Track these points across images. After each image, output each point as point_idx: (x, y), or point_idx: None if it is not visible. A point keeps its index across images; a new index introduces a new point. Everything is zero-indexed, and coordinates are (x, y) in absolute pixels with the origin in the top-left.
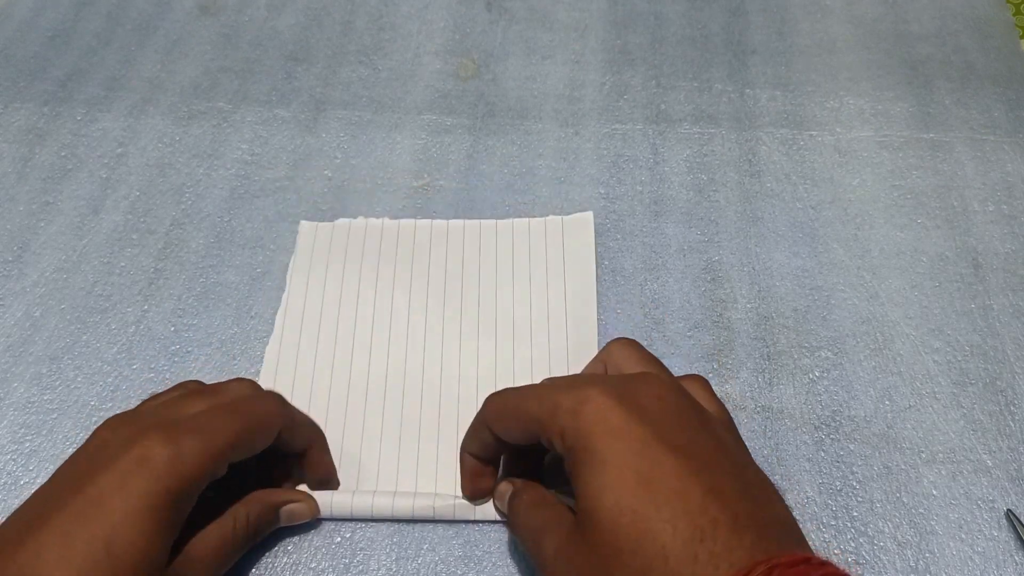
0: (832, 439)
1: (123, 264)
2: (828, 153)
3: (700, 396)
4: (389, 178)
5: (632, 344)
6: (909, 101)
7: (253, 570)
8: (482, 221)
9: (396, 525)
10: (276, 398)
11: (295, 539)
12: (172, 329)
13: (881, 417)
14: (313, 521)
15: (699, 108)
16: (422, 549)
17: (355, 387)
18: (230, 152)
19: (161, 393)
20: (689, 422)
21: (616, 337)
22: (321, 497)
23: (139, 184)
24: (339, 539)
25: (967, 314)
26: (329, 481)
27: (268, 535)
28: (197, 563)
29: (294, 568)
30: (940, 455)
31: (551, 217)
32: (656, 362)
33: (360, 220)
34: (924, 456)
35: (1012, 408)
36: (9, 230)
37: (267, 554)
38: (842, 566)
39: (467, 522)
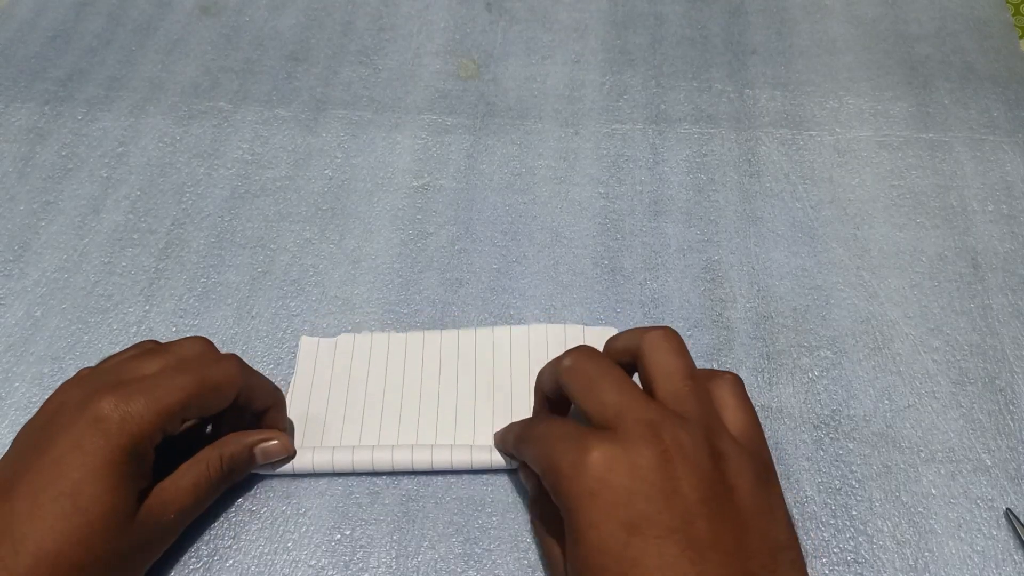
0: (831, 438)
1: (124, 264)
2: (827, 153)
3: (728, 406)
4: (389, 178)
5: (670, 350)
6: (908, 101)
7: (253, 567)
8: (495, 328)
9: (396, 522)
10: (234, 361)
11: (295, 536)
12: (173, 329)
13: (880, 416)
14: (315, 519)
15: (699, 108)
16: (422, 547)
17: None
18: (231, 152)
19: (118, 353)
20: (692, 492)
21: (659, 327)
22: (322, 454)
23: (140, 184)
24: (339, 536)
25: (966, 313)
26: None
27: (246, 480)
28: (171, 505)
29: (294, 565)
30: (939, 454)
31: (571, 326)
32: (689, 375)
33: (365, 335)
34: (923, 455)
35: (1011, 407)
36: (10, 229)
37: (267, 551)
38: (841, 564)
39: (465, 472)
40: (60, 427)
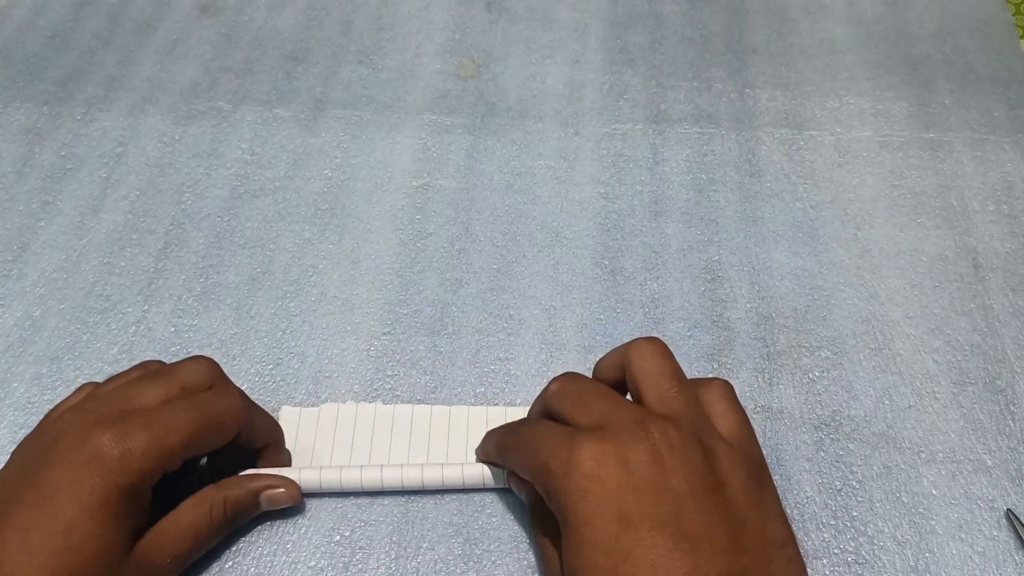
0: (832, 439)
1: (123, 264)
2: (828, 153)
3: (718, 411)
4: (389, 178)
5: (655, 354)
6: (909, 101)
7: (252, 569)
8: (488, 408)
9: (395, 524)
10: (238, 396)
11: (294, 538)
12: (172, 330)
13: (881, 417)
14: (315, 520)
15: (699, 108)
16: (421, 548)
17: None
18: (230, 152)
19: (120, 374)
20: (682, 485)
21: (643, 338)
22: (329, 473)
23: (139, 184)
24: (338, 538)
25: (967, 314)
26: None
27: (250, 521)
28: (169, 545)
29: (293, 567)
30: (940, 455)
31: None
32: (675, 377)
33: (349, 405)
34: (924, 456)
35: (1012, 408)
36: (9, 230)
37: (266, 552)
38: (842, 565)
39: (459, 491)
40: (57, 459)
